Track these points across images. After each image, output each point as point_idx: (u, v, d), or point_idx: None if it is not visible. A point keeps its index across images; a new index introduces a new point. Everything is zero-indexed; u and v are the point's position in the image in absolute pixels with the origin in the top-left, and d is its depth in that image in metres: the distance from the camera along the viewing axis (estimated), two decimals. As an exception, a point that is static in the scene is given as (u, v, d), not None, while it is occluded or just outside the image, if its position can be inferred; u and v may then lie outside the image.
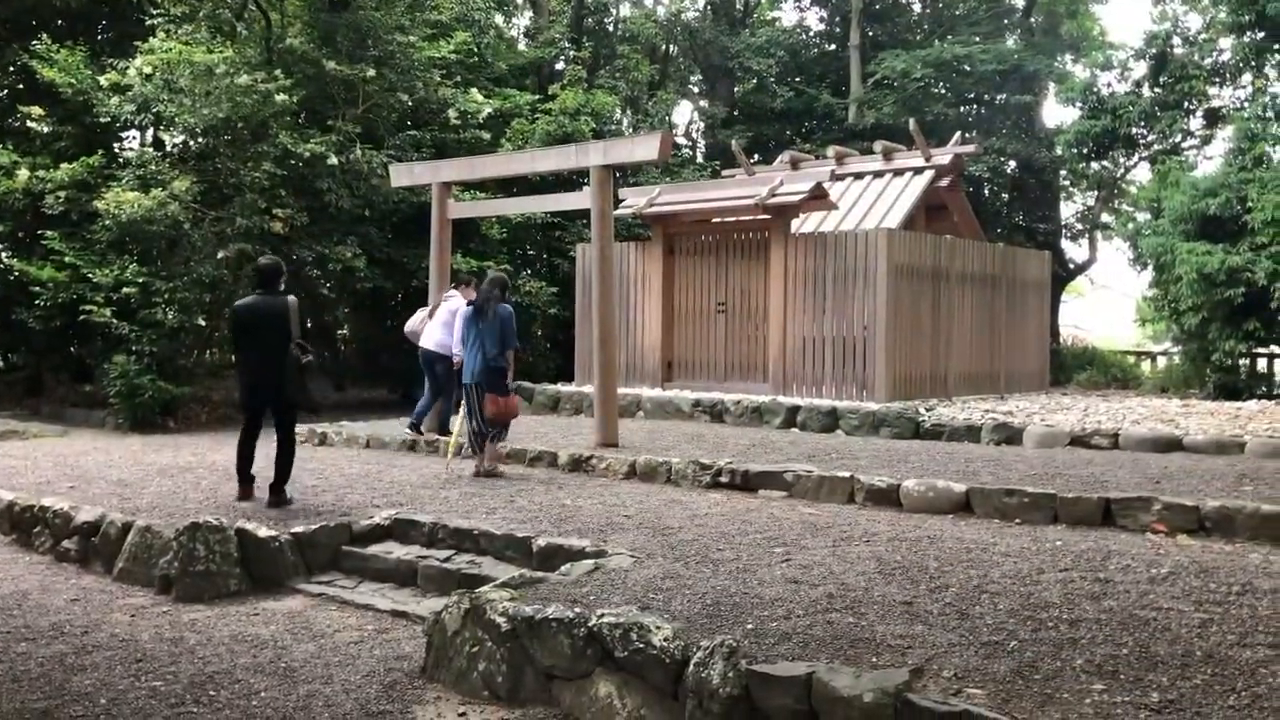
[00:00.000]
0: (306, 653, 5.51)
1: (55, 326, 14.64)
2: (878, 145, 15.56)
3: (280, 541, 6.97)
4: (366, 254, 15.44)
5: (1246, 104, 19.71)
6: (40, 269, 14.01)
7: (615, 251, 14.86)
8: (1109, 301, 40.33)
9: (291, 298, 8.07)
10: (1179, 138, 19.76)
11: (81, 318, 13.44)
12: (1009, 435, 10.65)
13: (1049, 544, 6.22)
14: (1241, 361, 17.21)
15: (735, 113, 25.19)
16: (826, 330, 12.85)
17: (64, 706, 4.68)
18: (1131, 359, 25.97)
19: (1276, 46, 18.38)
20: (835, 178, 14.60)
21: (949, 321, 13.56)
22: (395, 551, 7.20)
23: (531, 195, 13.16)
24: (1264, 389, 18.32)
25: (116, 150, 16.52)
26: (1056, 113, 56.60)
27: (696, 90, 27.81)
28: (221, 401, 16.27)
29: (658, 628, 4.53)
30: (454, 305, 10.90)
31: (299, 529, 7.18)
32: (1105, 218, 26.00)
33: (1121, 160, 21.92)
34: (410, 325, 11.59)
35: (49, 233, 14.28)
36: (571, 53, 20.65)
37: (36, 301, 14.07)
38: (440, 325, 11.03)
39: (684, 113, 29.48)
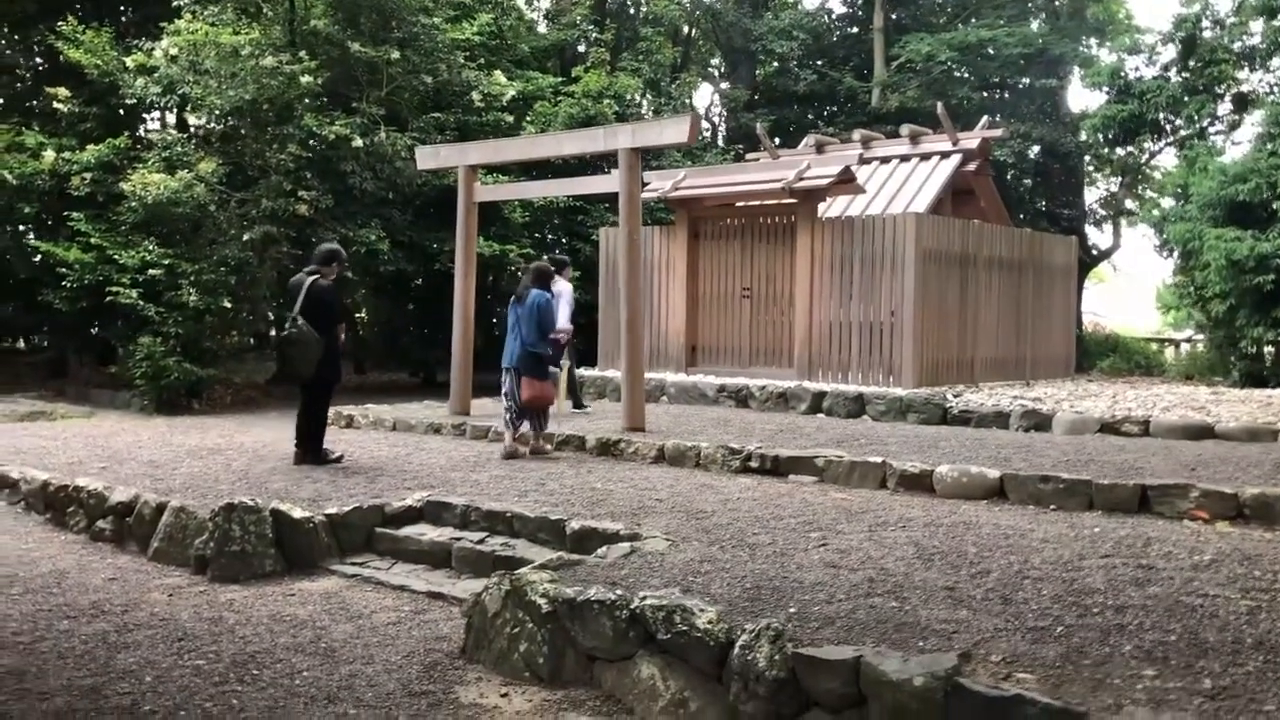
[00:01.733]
0: (345, 633, 5.53)
1: (81, 308, 14.69)
2: (904, 129, 15.46)
3: (314, 523, 6.99)
4: (389, 237, 15.45)
5: (1277, 88, 19.53)
6: (66, 250, 14.06)
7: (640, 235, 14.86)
8: (1127, 288, 40.10)
9: (312, 278, 8.77)
10: (1207, 123, 19.55)
11: (108, 299, 13.48)
12: (1038, 422, 10.60)
13: (1087, 530, 6.19)
14: (1268, 349, 17.09)
15: (756, 96, 25.08)
16: (853, 315, 12.79)
17: (110, 684, 4.71)
18: (1154, 346, 25.85)
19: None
20: (862, 161, 14.52)
21: (975, 307, 13.49)
22: (428, 533, 7.21)
23: (558, 178, 13.10)
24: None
25: (142, 132, 16.55)
26: (1082, 97, 56.15)
27: (717, 73, 27.67)
28: (245, 384, 16.36)
29: (701, 610, 4.52)
30: (556, 289, 11.39)
31: (332, 510, 7.20)
32: (1129, 203, 25.84)
33: (1147, 146, 21.72)
34: None
35: (75, 214, 14.32)
36: (594, 35, 20.56)
37: (63, 283, 14.12)
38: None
39: (704, 96, 29.40)
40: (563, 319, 11.60)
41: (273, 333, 22.12)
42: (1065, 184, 25.39)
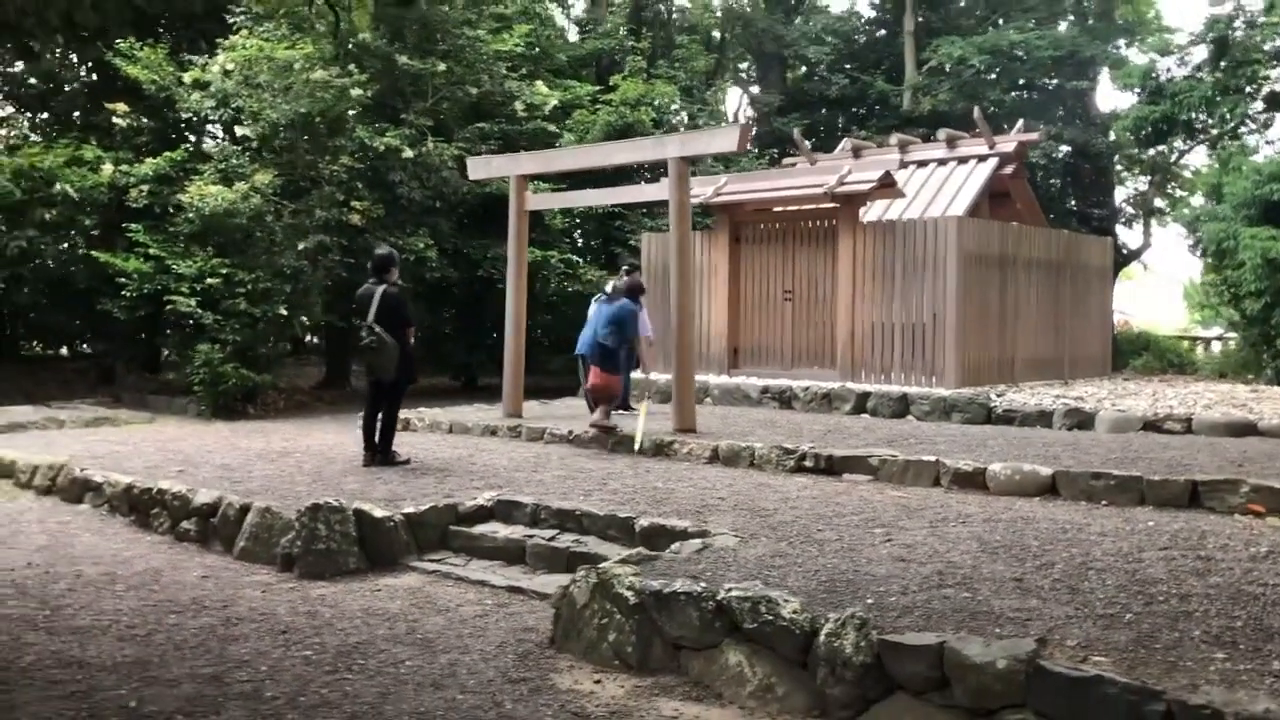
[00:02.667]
0: (437, 625, 5.82)
1: (139, 316, 15.06)
2: (941, 133, 15.67)
3: (394, 521, 7.31)
4: (436, 245, 15.80)
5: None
6: (126, 261, 14.46)
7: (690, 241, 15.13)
8: (1154, 285, 40.10)
9: (382, 287, 9.20)
10: (1239, 123, 19.66)
11: (169, 307, 13.86)
12: (1081, 420, 10.81)
13: (1142, 525, 6.42)
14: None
15: (787, 100, 25.28)
16: (895, 317, 13.02)
17: (229, 672, 5.02)
18: (1185, 344, 25.91)
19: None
20: (900, 165, 14.75)
21: (1015, 307, 13.70)
22: (500, 531, 7.51)
23: (602, 187, 13.38)
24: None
25: (191, 145, 16.91)
26: (1111, 97, 56.12)
27: (746, 78, 27.90)
28: (295, 389, 16.75)
29: (786, 601, 4.80)
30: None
31: (410, 510, 7.50)
32: (1158, 203, 25.94)
33: (1179, 145, 21.81)
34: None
35: (133, 225, 14.72)
36: (630, 43, 20.84)
37: (123, 292, 14.51)
38: None
39: (735, 101, 29.60)
40: (646, 325, 12.13)
41: (308, 338, 22.56)
42: (1095, 184, 25.48)
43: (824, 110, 24.69)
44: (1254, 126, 20.57)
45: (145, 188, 14.64)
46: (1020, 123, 15.98)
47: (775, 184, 14.25)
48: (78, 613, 6.01)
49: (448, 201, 16.16)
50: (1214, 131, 19.91)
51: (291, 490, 8.25)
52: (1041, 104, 25.50)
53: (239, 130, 14.14)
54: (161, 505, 8.28)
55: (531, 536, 7.31)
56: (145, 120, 15.89)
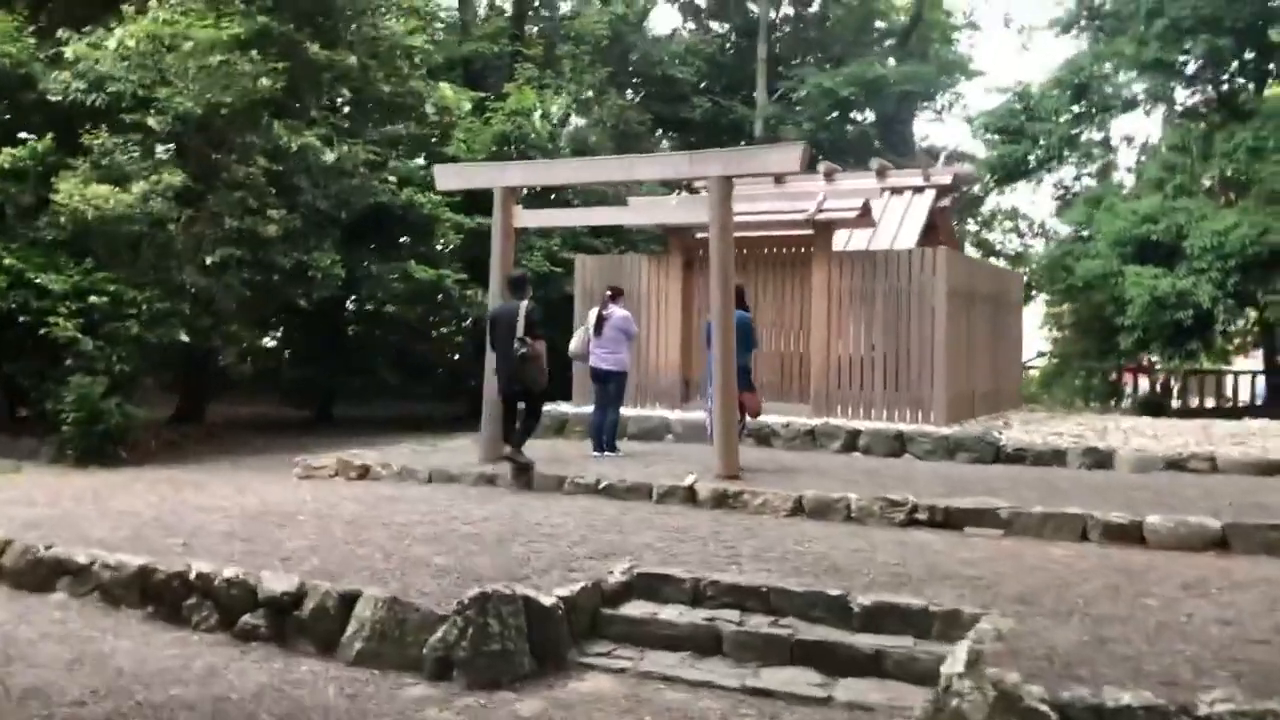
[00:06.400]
0: (746, 753, 4.65)
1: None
2: (874, 163, 15.48)
3: (562, 610, 5.96)
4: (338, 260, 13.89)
5: (1154, 137, 21.11)
6: (-35, 273, 11.68)
7: (625, 264, 14.14)
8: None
9: (525, 303, 9.58)
10: (1093, 166, 20.87)
11: (42, 331, 11.21)
12: (1099, 459, 10.71)
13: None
14: (1175, 381, 18.38)
15: (651, 121, 24.52)
16: (877, 350, 12.57)
17: None
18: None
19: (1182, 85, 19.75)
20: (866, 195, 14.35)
21: (974, 341, 13.61)
22: (664, 613, 6.33)
23: (586, 207, 12.03)
24: (1181, 403, 19.69)
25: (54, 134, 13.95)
26: (924, 132, 60.50)
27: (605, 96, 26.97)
28: (160, 425, 14.35)
29: (1291, 717, 4.06)
30: (622, 313, 11.31)
31: (563, 592, 6.15)
32: (988, 235, 27.34)
33: (1032, 184, 22.96)
34: (575, 347, 11.31)
35: (-24, 230, 11.95)
36: (515, 48, 19.37)
37: (-35, 311, 11.68)
38: (610, 342, 11.08)
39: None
40: (626, 352, 11.19)
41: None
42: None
43: (680, 133, 24.19)
44: (1093, 169, 21.90)
45: (-11, 184, 11.89)
46: (943, 155, 16.08)
47: (745, 209, 13.41)
48: (264, 768, 4.38)
49: (352, 211, 14.21)
50: (1071, 172, 21.03)
51: (370, 567, 6.66)
52: (873, 136, 26.21)
53: (152, 122, 11.64)
54: (204, 594, 6.45)
55: (713, 619, 6.18)
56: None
